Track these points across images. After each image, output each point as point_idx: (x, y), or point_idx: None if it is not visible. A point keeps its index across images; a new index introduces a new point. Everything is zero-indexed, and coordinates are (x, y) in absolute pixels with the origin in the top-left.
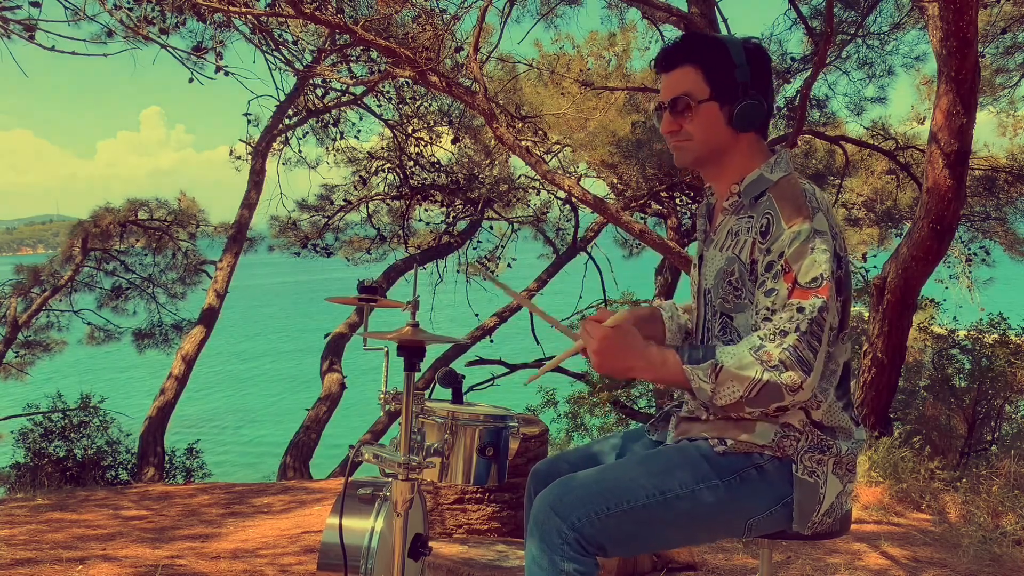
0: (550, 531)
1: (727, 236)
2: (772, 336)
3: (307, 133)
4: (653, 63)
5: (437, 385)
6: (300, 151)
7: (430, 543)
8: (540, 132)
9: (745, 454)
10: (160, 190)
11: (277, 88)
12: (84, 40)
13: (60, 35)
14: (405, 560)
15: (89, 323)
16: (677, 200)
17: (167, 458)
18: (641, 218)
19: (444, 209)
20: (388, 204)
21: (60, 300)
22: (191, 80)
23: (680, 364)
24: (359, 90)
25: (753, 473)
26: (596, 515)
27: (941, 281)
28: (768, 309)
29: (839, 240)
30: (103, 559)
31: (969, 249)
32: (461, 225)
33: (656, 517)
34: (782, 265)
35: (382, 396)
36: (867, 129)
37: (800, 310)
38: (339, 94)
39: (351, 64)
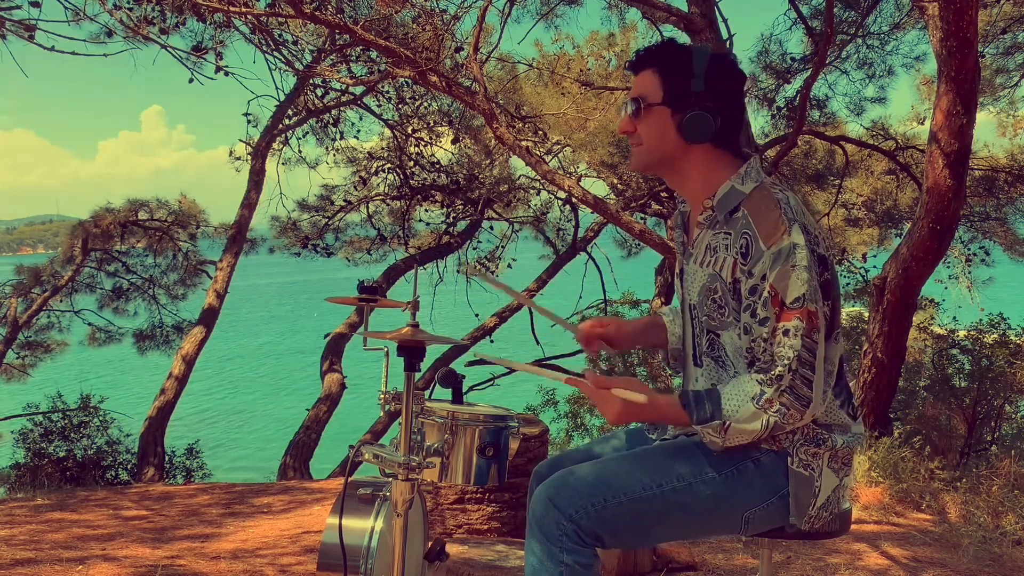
0: (549, 523)
1: (706, 251)
2: (770, 380)
3: (307, 133)
4: (626, 65)
5: (437, 385)
6: (300, 151)
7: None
8: (540, 132)
9: (742, 448)
10: (162, 190)
11: (277, 88)
12: (84, 40)
13: (60, 35)
14: (406, 560)
15: (90, 324)
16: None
17: (167, 458)
18: (641, 218)
19: (444, 209)
20: (388, 204)
21: (61, 301)
22: (191, 80)
23: (689, 423)
24: (359, 90)
25: (750, 466)
26: (593, 507)
27: (941, 281)
28: (763, 339)
29: (820, 242)
30: (103, 559)
31: (969, 249)
32: (461, 225)
33: (653, 509)
34: (768, 290)
35: (382, 396)
36: (867, 129)
37: (786, 333)
38: (339, 94)
39: (351, 64)
